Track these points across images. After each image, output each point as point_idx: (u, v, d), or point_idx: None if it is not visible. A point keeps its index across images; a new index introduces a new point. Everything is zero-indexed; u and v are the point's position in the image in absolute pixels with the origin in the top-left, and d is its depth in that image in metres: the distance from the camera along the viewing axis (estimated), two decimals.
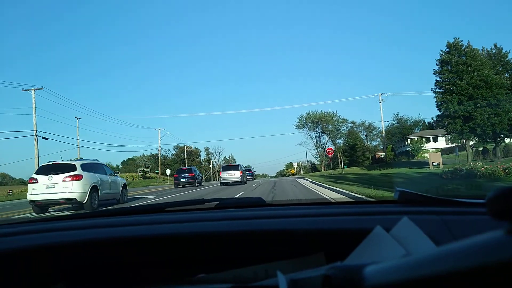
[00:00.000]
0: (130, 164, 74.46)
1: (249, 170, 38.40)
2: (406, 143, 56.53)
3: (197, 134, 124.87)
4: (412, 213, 0.82)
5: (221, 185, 22.86)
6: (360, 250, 0.72)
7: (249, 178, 32.63)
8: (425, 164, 31.58)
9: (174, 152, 78.69)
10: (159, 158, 54.71)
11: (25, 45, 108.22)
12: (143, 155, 70.90)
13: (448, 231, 0.75)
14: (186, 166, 37.85)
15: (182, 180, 25.36)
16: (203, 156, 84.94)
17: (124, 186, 13.17)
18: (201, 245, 0.90)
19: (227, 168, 24.17)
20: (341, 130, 76.73)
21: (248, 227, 0.89)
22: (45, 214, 9.85)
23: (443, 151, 44.14)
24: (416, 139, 53.39)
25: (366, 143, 74.84)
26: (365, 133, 76.39)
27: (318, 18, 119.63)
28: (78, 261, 0.94)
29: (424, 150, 49.36)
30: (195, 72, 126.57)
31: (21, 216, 10.35)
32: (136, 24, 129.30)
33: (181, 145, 71.58)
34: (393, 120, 73.40)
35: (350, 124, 76.28)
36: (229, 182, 22.85)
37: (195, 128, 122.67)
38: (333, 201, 1.17)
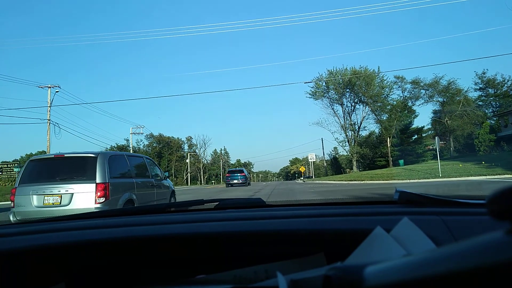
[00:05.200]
0: None
1: (241, 171, 26.99)
2: None
3: (176, 120, 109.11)
4: (412, 214, 0.83)
5: None
6: (360, 251, 0.72)
7: (240, 184, 25.38)
8: None
9: (147, 142, 64.46)
10: (48, 142, 27.02)
11: None
12: (111, 146, 52.60)
13: (448, 232, 0.75)
14: None
15: None
16: (186, 148, 72.68)
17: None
18: (201, 246, 0.90)
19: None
20: (390, 99, 42.36)
21: (248, 227, 0.89)
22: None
23: None
24: None
25: (445, 119, 41.11)
26: (440, 100, 42.07)
27: None
28: (78, 262, 0.94)
29: None
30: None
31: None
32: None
33: (155, 133, 57.31)
34: (475, 84, 43.46)
35: (408, 86, 41.79)
36: None
37: (174, 113, 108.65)
38: (333, 201, 1.18)
